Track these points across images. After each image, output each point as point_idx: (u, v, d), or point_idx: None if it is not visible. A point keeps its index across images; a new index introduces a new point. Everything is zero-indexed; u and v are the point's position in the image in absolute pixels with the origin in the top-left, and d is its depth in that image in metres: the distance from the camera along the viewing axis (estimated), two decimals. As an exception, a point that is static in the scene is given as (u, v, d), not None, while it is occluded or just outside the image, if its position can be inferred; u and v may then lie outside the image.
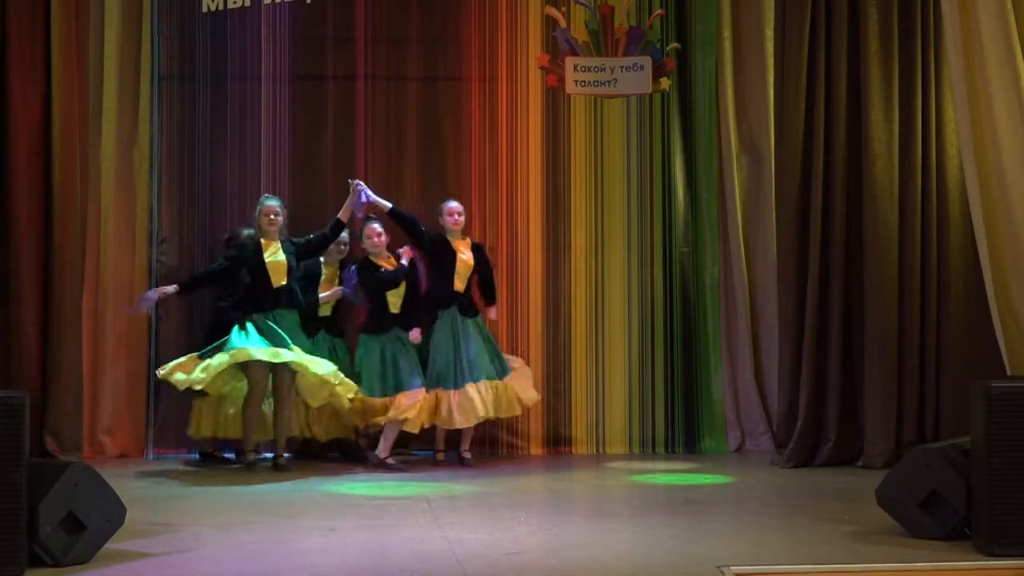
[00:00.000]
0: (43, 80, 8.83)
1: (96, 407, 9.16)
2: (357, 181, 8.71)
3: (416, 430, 8.59)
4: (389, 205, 8.71)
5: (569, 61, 9.73)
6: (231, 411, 8.53)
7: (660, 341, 9.63)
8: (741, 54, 9.70)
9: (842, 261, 8.70)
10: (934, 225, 8.64)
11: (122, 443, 9.24)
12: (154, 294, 8.64)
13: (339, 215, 8.64)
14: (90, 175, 9.11)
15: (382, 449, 8.55)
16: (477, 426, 8.88)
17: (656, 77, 9.77)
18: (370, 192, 8.67)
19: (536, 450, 9.44)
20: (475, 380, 8.56)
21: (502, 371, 8.74)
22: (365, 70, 9.53)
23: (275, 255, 8.47)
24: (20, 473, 5.15)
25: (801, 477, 8.22)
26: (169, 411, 9.17)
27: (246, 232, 8.75)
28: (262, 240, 8.55)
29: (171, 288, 8.60)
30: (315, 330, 8.78)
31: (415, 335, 8.61)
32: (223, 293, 8.73)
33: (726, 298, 9.71)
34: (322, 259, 8.87)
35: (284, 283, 8.46)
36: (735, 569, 5.25)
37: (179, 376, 8.18)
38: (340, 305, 8.99)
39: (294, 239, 8.63)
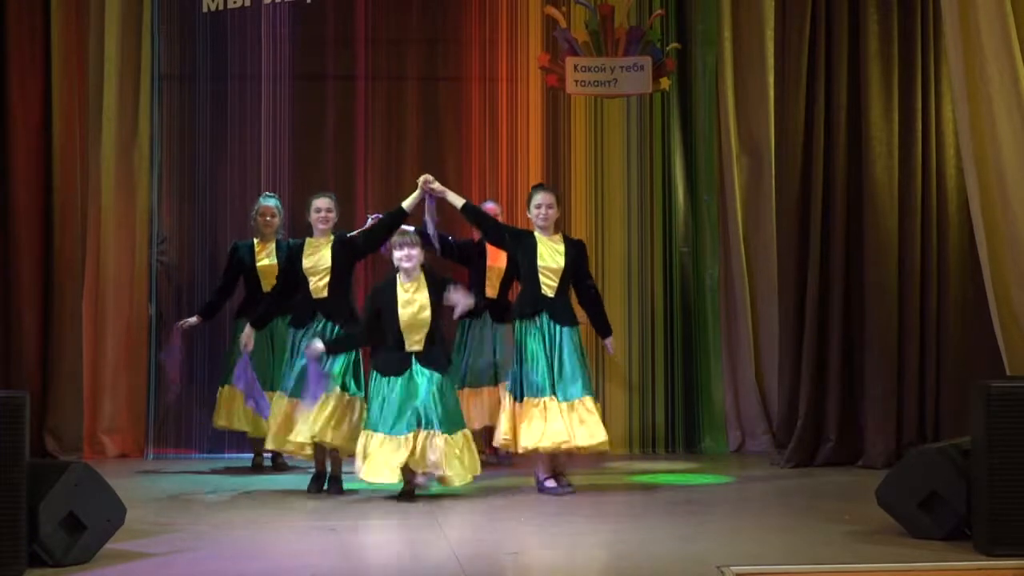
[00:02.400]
0: (43, 80, 8.83)
1: (96, 407, 9.16)
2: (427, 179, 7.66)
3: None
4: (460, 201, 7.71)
5: (569, 61, 9.73)
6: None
7: (660, 341, 9.63)
8: (741, 54, 9.70)
9: (842, 261, 8.70)
10: (934, 225, 8.64)
11: (122, 443, 9.24)
12: (176, 341, 8.57)
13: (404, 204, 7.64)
14: (90, 175, 9.11)
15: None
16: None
17: (656, 77, 9.77)
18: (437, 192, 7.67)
19: (536, 450, 9.43)
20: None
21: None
22: (365, 70, 9.53)
23: (266, 259, 8.45)
24: (20, 473, 5.15)
25: (801, 477, 8.22)
26: (169, 411, 9.18)
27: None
28: (256, 242, 8.54)
29: (193, 320, 8.60)
30: (310, 317, 7.69)
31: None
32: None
33: (726, 298, 9.71)
34: None
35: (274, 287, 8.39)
36: (735, 569, 5.25)
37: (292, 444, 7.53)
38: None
39: (291, 241, 8.59)
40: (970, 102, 7.48)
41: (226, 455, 9.06)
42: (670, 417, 9.60)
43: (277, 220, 8.61)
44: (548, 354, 7.45)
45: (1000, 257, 7.50)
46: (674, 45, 9.79)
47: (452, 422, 7.22)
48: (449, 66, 9.66)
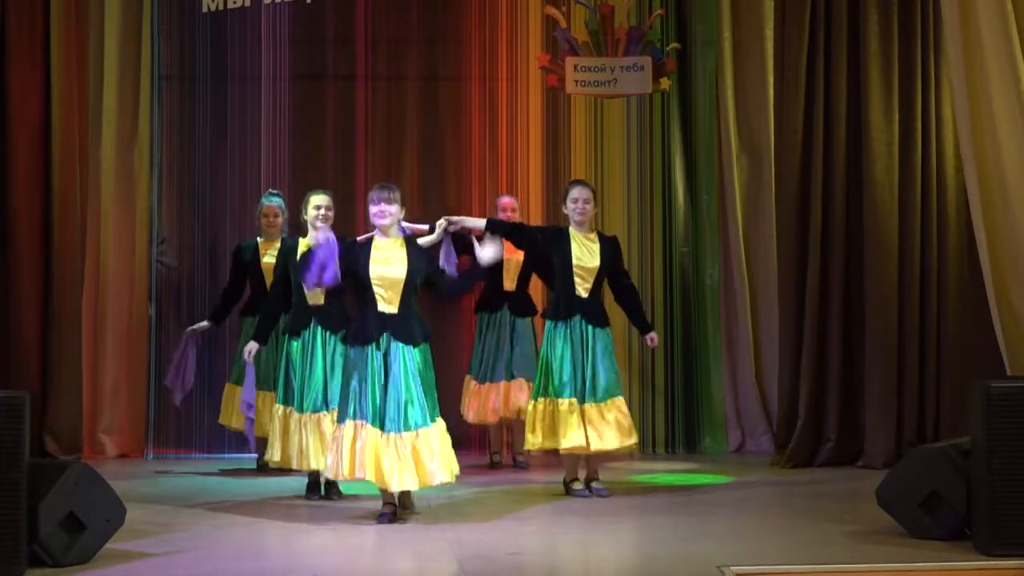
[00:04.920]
0: (43, 80, 8.82)
1: (96, 407, 9.17)
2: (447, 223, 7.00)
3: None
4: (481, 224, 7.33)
5: (569, 61, 9.74)
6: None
7: (660, 341, 9.60)
8: (741, 54, 9.70)
9: (842, 261, 8.70)
10: (934, 225, 8.65)
11: (122, 443, 9.25)
12: (189, 350, 8.50)
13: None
14: (90, 175, 9.12)
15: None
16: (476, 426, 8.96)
17: (656, 77, 9.78)
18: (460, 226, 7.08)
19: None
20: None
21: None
22: (365, 70, 9.54)
23: (270, 257, 8.40)
24: (20, 473, 5.15)
25: (801, 477, 8.22)
26: (169, 411, 9.18)
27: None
28: (260, 241, 8.51)
29: (204, 324, 8.53)
30: (306, 325, 7.38)
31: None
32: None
33: (726, 298, 9.72)
34: None
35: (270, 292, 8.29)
36: (735, 569, 5.24)
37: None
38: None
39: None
40: (970, 102, 7.48)
41: (226, 455, 9.07)
42: (670, 417, 9.60)
43: (281, 219, 8.57)
44: (579, 356, 7.31)
45: (1000, 257, 7.50)
46: (674, 45, 9.80)
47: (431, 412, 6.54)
48: (449, 66, 9.66)
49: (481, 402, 8.55)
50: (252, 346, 7.38)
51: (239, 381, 8.35)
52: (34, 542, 5.27)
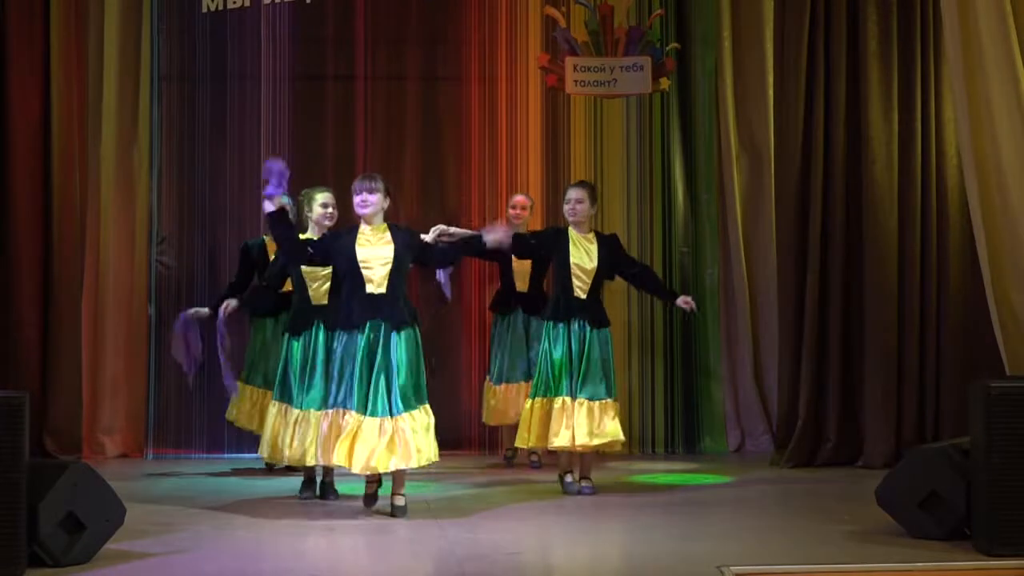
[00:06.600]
0: (43, 80, 8.83)
1: (96, 407, 9.17)
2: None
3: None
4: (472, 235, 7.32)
5: (569, 61, 9.74)
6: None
7: (660, 341, 9.63)
8: (741, 54, 9.70)
9: (842, 261, 8.71)
10: (934, 225, 8.65)
11: (122, 443, 9.25)
12: (192, 330, 8.42)
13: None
14: (90, 175, 9.12)
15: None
16: (477, 426, 8.95)
17: (656, 77, 9.77)
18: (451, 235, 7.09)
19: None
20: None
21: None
22: (365, 70, 9.54)
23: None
24: (20, 473, 5.15)
25: (801, 477, 8.22)
26: (169, 411, 9.18)
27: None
28: (267, 239, 8.49)
29: (204, 310, 8.38)
30: (308, 324, 7.35)
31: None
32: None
33: (726, 298, 9.71)
34: None
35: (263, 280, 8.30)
36: (735, 569, 5.25)
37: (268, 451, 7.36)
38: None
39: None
40: (970, 102, 7.48)
41: (226, 455, 9.07)
42: (670, 417, 9.60)
43: (289, 216, 8.52)
44: (577, 357, 7.32)
45: (1000, 257, 7.50)
46: (674, 45, 9.80)
47: (417, 397, 6.60)
48: (449, 66, 9.66)
49: (500, 403, 8.57)
50: (230, 302, 7.99)
51: (250, 380, 8.34)
52: (34, 542, 5.27)
